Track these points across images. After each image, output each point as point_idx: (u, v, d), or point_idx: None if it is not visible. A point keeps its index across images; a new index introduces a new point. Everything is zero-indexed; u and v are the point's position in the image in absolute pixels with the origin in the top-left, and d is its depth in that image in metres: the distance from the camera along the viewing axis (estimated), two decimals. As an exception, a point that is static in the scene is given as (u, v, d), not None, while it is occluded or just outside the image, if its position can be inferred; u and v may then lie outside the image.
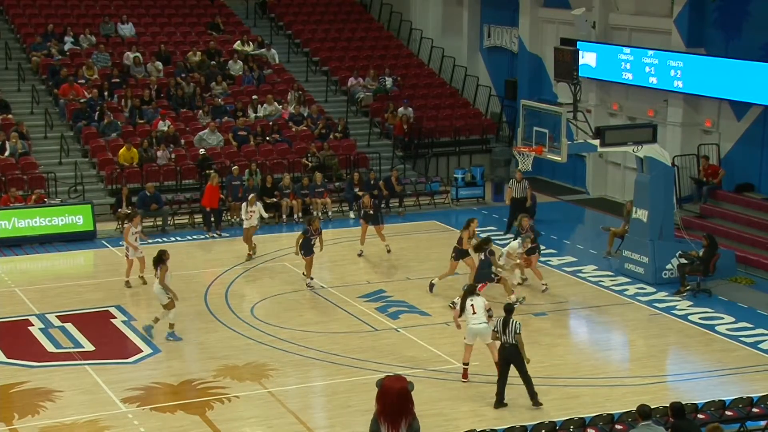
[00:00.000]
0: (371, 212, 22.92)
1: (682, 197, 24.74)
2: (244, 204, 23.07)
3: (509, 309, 15.28)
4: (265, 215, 24.15)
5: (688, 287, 20.41)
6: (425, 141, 30.15)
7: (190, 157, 27.45)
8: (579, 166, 29.16)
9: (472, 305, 15.84)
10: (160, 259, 18.05)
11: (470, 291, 16.10)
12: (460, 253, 20.19)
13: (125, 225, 21.10)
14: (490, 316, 15.85)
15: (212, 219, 24.99)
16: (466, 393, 15.80)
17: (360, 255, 22.86)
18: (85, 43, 31.27)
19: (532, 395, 15.15)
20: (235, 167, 26.25)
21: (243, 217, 23.08)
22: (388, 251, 22.97)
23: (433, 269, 22.10)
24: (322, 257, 23.25)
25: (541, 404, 15.06)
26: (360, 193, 26.71)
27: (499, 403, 15.16)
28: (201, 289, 20.79)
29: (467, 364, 16.02)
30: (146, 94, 29.30)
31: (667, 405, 12.77)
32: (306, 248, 20.84)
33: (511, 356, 15.02)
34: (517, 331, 14.99)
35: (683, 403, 12.86)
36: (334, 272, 22.11)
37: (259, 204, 23.31)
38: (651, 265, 21.14)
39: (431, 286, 20.33)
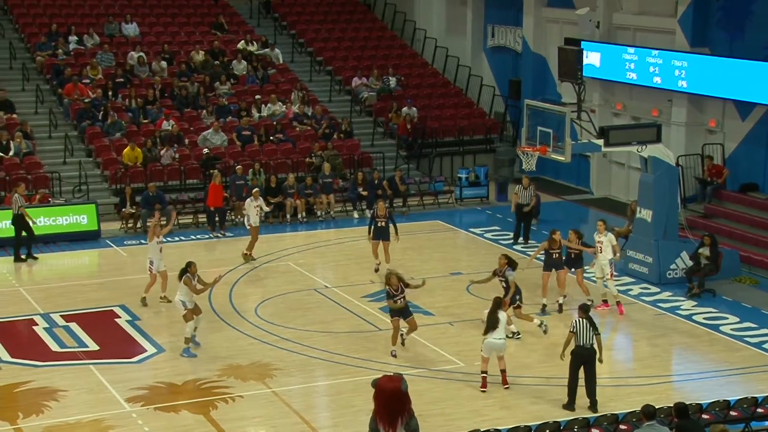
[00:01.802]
0: (383, 224, 21.23)
1: (687, 197, 24.72)
2: (248, 200, 22.77)
3: (587, 308, 15.20)
4: (267, 209, 23.76)
5: (700, 289, 20.36)
6: (429, 141, 30.14)
7: (194, 157, 27.46)
8: (583, 165, 29.14)
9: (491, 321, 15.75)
10: (185, 270, 17.46)
11: (498, 305, 15.88)
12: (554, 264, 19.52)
13: (148, 237, 20.12)
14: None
15: (216, 219, 25.00)
16: (469, 393, 15.79)
17: (377, 271, 21.34)
18: (89, 42, 31.31)
19: (593, 399, 15.08)
20: (239, 167, 26.26)
21: (248, 213, 22.66)
22: (376, 270, 21.38)
23: (437, 269, 22.10)
24: (326, 256, 23.30)
25: (597, 410, 14.89)
26: (364, 193, 26.76)
27: (571, 404, 15.07)
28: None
29: (485, 373, 15.88)
30: (150, 94, 29.32)
31: (672, 405, 12.78)
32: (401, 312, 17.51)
33: (589, 358, 14.93)
34: (598, 332, 14.99)
35: (688, 403, 12.85)
36: (338, 272, 22.10)
37: (260, 199, 23.03)
38: (655, 265, 21.12)
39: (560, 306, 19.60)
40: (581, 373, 15.07)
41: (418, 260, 22.84)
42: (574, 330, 15.02)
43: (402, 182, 27.36)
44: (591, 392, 15.12)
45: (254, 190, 23.13)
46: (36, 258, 22.86)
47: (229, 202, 25.63)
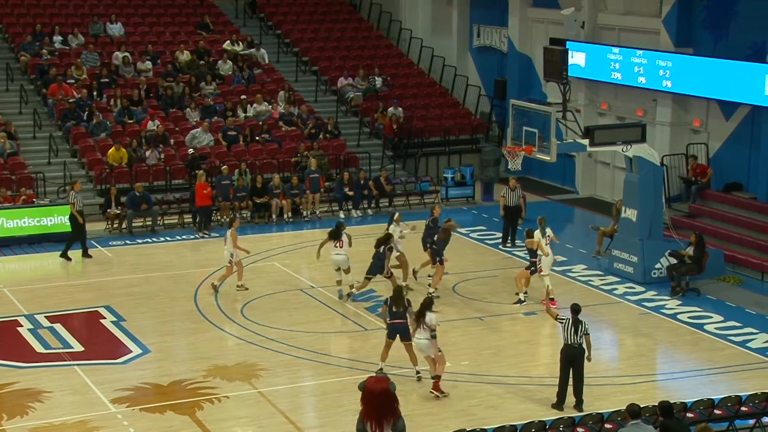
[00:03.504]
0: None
1: (671, 197, 24.82)
2: (392, 226, 20.48)
3: (577, 309, 15.10)
4: (407, 231, 20.77)
5: (683, 288, 20.43)
6: (415, 141, 30.17)
7: (179, 157, 27.41)
8: (568, 165, 29.22)
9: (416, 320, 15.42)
10: (337, 234, 19.39)
11: (426, 306, 15.54)
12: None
13: (228, 231, 20.35)
14: (433, 336, 15.41)
15: (203, 219, 24.94)
16: (456, 392, 15.81)
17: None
18: (74, 42, 31.19)
19: (580, 399, 15.10)
20: (225, 167, 26.21)
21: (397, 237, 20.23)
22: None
23: (423, 269, 22.08)
24: (312, 257, 23.23)
25: (582, 410, 14.90)
26: (350, 193, 26.78)
27: (560, 404, 15.06)
28: (190, 289, 20.76)
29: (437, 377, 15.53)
30: (135, 94, 29.24)
31: (657, 404, 12.82)
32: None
33: (576, 357, 14.97)
34: (587, 332, 15.01)
35: (672, 402, 12.91)
36: (324, 272, 22.06)
37: (402, 224, 20.67)
38: (640, 264, 21.19)
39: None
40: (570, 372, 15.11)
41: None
42: (563, 324, 15.04)
43: (387, 182, 27.38)
44: (578, 391, 15.16)
45: (396, 216, 20.89)
46: (70, 259, 22.77)
47: (215, 202, 25.57)
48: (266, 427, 14.69)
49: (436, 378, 15.54)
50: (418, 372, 16.05)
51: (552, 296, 19.23)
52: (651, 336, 18.55)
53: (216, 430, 14.58)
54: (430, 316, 15.48)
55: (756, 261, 21.77)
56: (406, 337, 15.79)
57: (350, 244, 19.88)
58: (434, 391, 15.50)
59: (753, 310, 19.74)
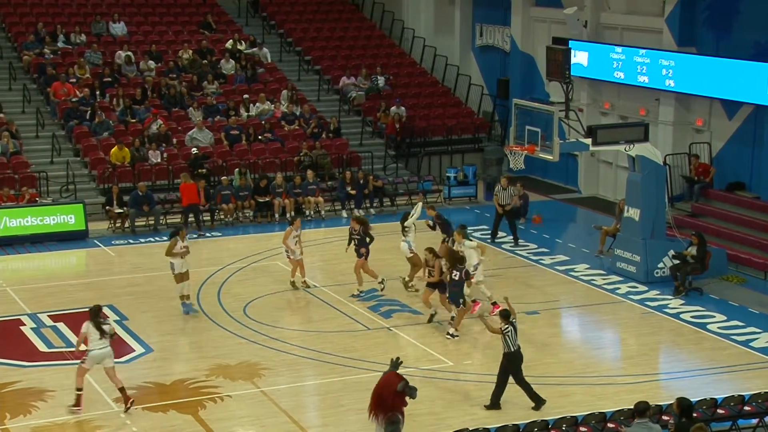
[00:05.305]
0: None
1: (674, 196, 24.81)
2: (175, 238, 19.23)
3: (507, 315, 15.00)
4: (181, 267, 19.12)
5: (686, 288, 20.42)
6: (417, 140, 30.17)
7: (182, 157, 27.41)
8: (571, 164, 29.22)
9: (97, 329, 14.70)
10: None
11: (95, 313, 14.83)
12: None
13: (287, 228, 20.57)
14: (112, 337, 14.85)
15: (200, 218, 24.93)
16: (458, 392, 15.82)
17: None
18: (77, 40, 31.20)
19: (539, 399, 15.09)
20: (224, 178, 26.09)
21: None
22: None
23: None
24: (313, 256, 23.27)
25: (545, 401, 15.00)
26: (353, 192, 26.76)
27: (496, 405, 15.06)
28: (193, 288, 20.74)
29: (81, 390, 14.85)
30: (138, 93, 29.25)
31: (659, 403, 12.82)
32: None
33: (518, 361, 14.94)
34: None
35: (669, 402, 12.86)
36: (326, 271, 22.10)
37: (181, 243, 19.12)
38: (643, 263, 21.18)
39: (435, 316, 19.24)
40: (512, 379, 15.07)
41: (405, 259, 22.80)
42: (508, 334, 14.90)
43: (375, 179, 27.31)
44: (532, 394, 15.06)
45: (181, 231, 19.35)
46: None
47: (210, 199, 25.51)
48: (268, 427, 14.69)
49: (123, 389, 14.85)
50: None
51: (494, 300, 19.02)
52: (654, 335, 18.53)
53: (218, 429, 14.58)
54: (107, 325, 14.83)
55: (759, 260, 21.75)
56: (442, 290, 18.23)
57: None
58: (127, 404, 14.85)
59: (756, 309, 19.72)
